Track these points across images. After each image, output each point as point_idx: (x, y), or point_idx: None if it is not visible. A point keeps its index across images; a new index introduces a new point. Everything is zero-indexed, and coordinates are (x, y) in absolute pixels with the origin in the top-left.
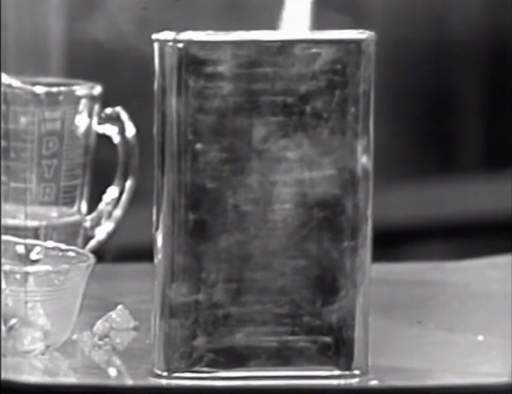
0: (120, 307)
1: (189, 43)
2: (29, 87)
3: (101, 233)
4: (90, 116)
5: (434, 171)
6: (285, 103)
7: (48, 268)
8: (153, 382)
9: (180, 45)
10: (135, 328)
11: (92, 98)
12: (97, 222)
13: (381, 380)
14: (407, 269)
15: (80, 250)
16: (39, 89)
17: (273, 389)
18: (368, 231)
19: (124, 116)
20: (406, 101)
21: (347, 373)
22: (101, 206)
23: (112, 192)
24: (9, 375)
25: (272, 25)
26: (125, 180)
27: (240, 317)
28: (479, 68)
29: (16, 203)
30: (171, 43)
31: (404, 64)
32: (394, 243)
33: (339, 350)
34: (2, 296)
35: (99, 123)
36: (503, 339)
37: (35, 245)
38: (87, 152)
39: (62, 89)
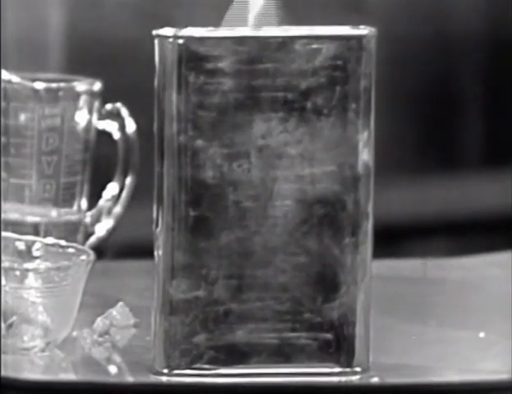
0: (120, 304)
1: (189, 39)
2: (28, 83)
3: (101, 230)
4: (90, 112)
5: (435, 168)
6: (286, 99)
7: (48, 264)
8: (154, 379)
9: (181, 41)
10: (135, 325)
11: (92, 94)
12: (97, 219)
13: (382, 377)
14: (408, 266)
15: (80, 247)
16: (39, 85)
17: (274, 386)
18: (368, 227)
19: (124, 112)
20: (407, 97)
21: (348, 370)
22: (101, 202)
23: (112, 188)
24: (9, 372)
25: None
26: (125, 176)
27: (241, 314)
28: (480, 65)
29: (15, 199)
30: (171, 40)
31: (405, 60)
32: (395, 239)
33: (340, 347)
34: (2, 293)
35: (99, 119)
36: (504, 336)
37: (35, 242)
38: (87, 148)
39: (62, 85)
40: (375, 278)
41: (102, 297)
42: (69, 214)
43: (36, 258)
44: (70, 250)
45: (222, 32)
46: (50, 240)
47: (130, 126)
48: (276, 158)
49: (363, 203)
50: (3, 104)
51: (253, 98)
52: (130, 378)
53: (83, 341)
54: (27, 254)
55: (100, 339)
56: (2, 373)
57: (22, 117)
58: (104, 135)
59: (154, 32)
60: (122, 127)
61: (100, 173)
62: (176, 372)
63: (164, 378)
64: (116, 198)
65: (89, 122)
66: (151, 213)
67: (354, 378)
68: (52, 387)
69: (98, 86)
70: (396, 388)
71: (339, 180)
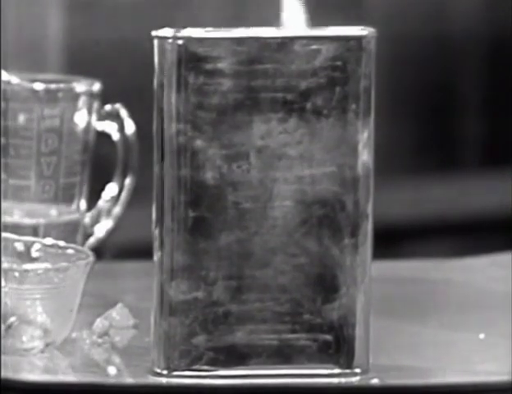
0: (119, 305)
1: (188, 39)
2: (28, 84)
3: (100, 230)
4: (89, 113)
5: (435, 169)
6: (286, 100)
7: (47, 265)
8: (153, 380)
9: (180, 42)
10: (135, 326)
11: (91, 95)
12: (96, 220)
13: (382, 378)
14: (408, 267)
15: (79, 248)
16: (38, 86)
17: (274, 387)
18: (368, 228)
19: (123, 113)
20: (406, 98)
21: (348, 371)
22: (100, 203)
23: (111, 189)
24: (8, 373)
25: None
26: (124, 177)
27: (240, 315)
28: (480, 65)
29: (14, 200)
30: (170, 40)
31: (405, 60)
32: (395, 240)
33: (339, 349)
34: (2, 294)
35: (99, 120)
36: (504, 337)
37: (34, 243)
38: (86, 149)
39: (61, 85)
40: (375, 279)
41: (101, 298)
42: (68, 215)
43: (35, 259)
44: (70, 251)
45: (221, 33)
46: (49, 241)
47: (130, 127)
48: (276, 159)
49: (362, 204)
50: (3, 105)
51: (252, 98)
52: (129, 380)
53: (82, 342)
54: (26, 255)
55: (99, 340)
56: (2, 374)
57: (21, 118)
58: (103, 135)
59: (153, 33)
60: (121, 128)
61: (99, 174)
62: (176, 373)
63: (163, 380)
64: (116, 199)
65: (89, 123)
66: (150, 214)
67: (354, 380)
68: (52, 388)
69: (97, 87)
70: (396, 390)
71: (338, 181)
